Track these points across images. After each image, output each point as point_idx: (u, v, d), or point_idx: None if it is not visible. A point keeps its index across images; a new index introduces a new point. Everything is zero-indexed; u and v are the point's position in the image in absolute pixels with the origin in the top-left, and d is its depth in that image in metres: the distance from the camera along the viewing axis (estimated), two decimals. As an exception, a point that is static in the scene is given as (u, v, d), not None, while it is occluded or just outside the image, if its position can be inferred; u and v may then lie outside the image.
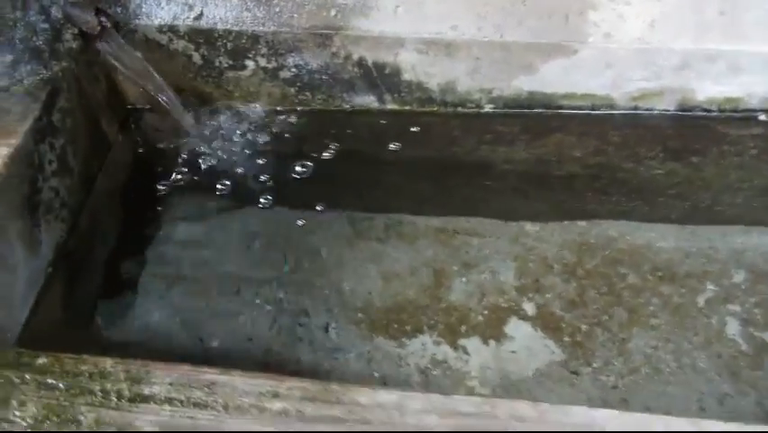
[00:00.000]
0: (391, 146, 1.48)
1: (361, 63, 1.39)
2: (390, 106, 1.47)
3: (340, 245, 1.32)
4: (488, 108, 1.47)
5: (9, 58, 1.23)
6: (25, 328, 1.18)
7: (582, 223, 1.36)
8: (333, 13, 1.33)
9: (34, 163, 1.21)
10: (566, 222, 1.37)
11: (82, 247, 1.36)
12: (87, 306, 1.30)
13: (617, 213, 1.37)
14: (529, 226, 1.36)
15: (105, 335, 1.24)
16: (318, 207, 1.39)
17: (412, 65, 1.39)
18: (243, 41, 1.38)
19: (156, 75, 1.38)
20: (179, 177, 1.47)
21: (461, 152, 1.48)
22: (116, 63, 1.37)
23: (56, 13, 1.28)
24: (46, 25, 1.27)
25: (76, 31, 1.31)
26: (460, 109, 1.47)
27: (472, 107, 1.47)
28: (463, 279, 1.27)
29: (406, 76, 1.41)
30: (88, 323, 1.27)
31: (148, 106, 1.51)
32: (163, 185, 1.46)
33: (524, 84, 1.41)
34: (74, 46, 1.32)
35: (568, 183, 1.43)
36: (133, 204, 1.47)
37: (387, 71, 1.40)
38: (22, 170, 1.18)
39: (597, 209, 1.38)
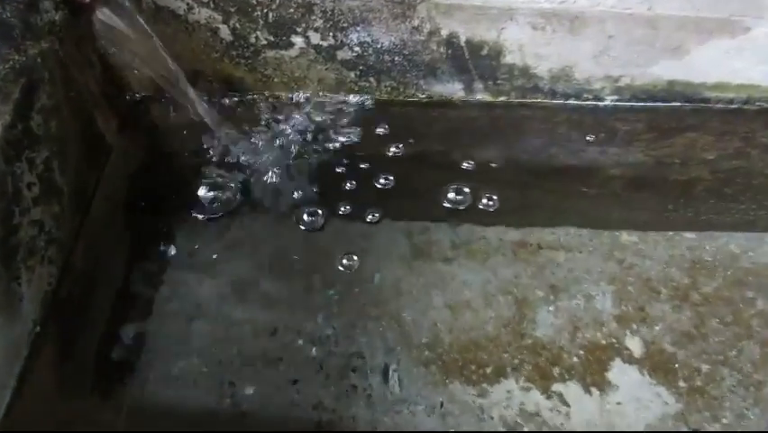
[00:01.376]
0: (472, 145, 1.17)
1: (450, 41, 1.03)
2: (480, 97, 1.12)
3: (397, 266, 1.06)
4: (609, 101, 1.13)
5: (-36, 37, 0.85)
6: (7, 418, 0.86)
7: (691, 235, 1.11)
8: (419, -28, 0.97)
9: (6, 192, 0.85)
10: (670, 233, 1.12)
11: (78, 291, 1.01)
12: (88, 368, 0.97)
13: (738, 224, 1.11)
14: (625, 237, 1.11)
15: (114, 401, 0.93)
16: (371, 220, 1.10)
17: (519, 45, 1.03)
18: (291, 10, 1.00)
19: (167, 56, 1.01)
20: (198, 190, 1.13)
21: (562, 154, 1.17)
22: (116, 41, 1.00)
23: (29, -30, 0.89)
24: (16, -11, 0.89)
25: (58, -4, 0.93)
26: (572, 101, 1.13)
27: (589, 99, 1.13)
28: (551, 307, 1.05)
29: (509, 58, 1.05)
30: (91, 391, 0.94)
31: (156, 96, 1.14)
32: (178, 200, 1.11)
33: (665, 71, 1.06)
34: (56, 19, 0.93)
35: (686, 189, 1.17)
36: (141, 226, 1.12)
37: (484, 52, 1.05)
38: (-11, 205, 0.82)
39: (712, 219, 1.12)
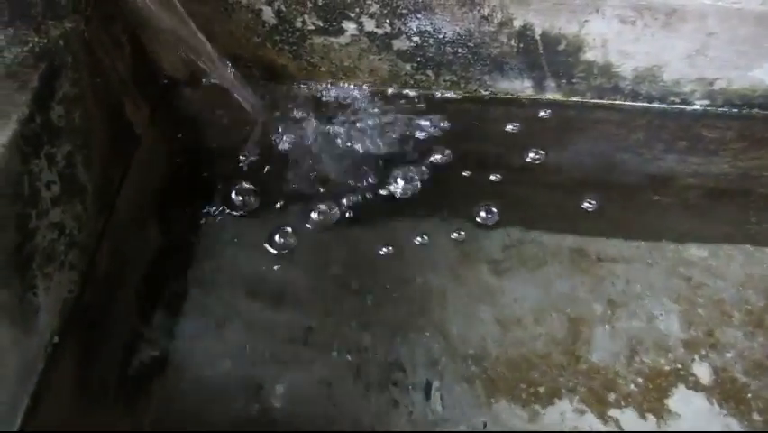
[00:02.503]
0: (536, 146, 1.05)
1: (522, 34, 0.91)
2: (551, 96, 1.00)
3: (442, 273, 0.97)
4: (698, 105, 1.00)
5: (-23, 16, 0.75)
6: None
7: (772, 251, 0.99)
8: (494, -48, 0.84)
9: (22, 194, 0.76)
10: (749, 247, 1.00)
11: (101, 296, 0.92)
12: (111, 379, 0.89)
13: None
14: (694, 251, 1.00)
15: (137, 413, 0.85)
16: (417, 220, 1.01)
17: (603, 40, 0.90)
18: (345, -8, 0.89)
19: (204, 39, 0.90)
20: (233, 184, 1.03)
21: (636, 160, 1.05)
22: (148, 20, 0.89)
23: (53, -61, 0.79)
24: (37, -39, 0.78)
25: (85, -30, 0.82)
26: (656, 104, 1.00)
27: (675, 103, 1.00)
28: (608, 326, 0.96)
29: (589, 55, 0.93)
30: (113, 404, 0.87)
31: (190, 81, 1.03)
32: (212, 196, 1.02)
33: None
34: (83, -6, 0.83)
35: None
36: (170, 225, 1.02)
37: (560, 47, 0.92)
38: (1, 209, 0.73)
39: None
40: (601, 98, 0.99)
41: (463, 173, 1.04)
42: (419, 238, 0.99)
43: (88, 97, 0.87)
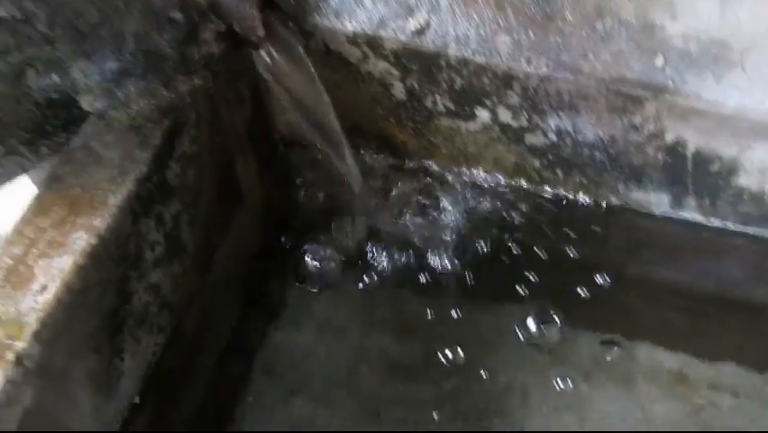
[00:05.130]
0: (656, 260, 0.97)
1: (673, 149, 0.83)
2: (688, 215, 0.91)
3: (528, 373, 0.92)
4: None
5: (113, 65, 0.71)
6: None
7: None
8: (659, 62, 0.76)
9: (129, 256, 0.72)
10: None
11: (182, 360, 0.88)
12: None
13: None
14: None
15: None
16: (509, 317, 0.94)
17: (763, 168, 0.81)
18: (486, 79, 0.82)
19: (330, 104, 0.86)
20: (327, 252, 0.99)
21: (763, 294, 0.94)
22: (276, 79, 0.85)
23: (197, -4, 0.76)
24: (178, 16, 0.74)
25: (222, 28, 0.79)
26: (809, 241, 0.90)
27: (830, 243, 0.89)
28: None
29: (743, 180, 0.84)
30: None
31: (302, 142, 0.99)
32: (305, 262, 0.98)
33: None
34: (215, 51, 0.79)
35: None
36: (259, 289, 0.98)
37: (712, 168, 0.83)
38: (106, 272, 0.68)
39: None
40: (746, 225, 0.90)
41: (570, 274, 0.96)
42: (516, 333, 0.93)
43: (204, 155, 0.83)
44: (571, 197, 0.94)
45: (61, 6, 0.68)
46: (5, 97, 0.69)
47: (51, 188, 0.70)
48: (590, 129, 0.84)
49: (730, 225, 0.90)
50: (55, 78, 0.71)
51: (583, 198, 0.94)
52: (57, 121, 0.75)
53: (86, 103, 0.73)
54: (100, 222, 0.67)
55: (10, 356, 0.60)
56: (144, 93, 0.76)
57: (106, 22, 0.70)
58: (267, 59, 0.83)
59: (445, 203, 0.96)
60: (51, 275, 0.64)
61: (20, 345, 0.60)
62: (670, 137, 0.82)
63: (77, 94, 0.72)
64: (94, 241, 0.66)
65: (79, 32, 0.70)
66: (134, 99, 0.76)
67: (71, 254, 0.65)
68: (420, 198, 0.97)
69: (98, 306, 0.68)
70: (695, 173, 0.85)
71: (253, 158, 0.95)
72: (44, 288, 0.63)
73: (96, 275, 0.67)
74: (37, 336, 0.61)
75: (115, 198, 0.69)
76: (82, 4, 0.69)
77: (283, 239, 1.00)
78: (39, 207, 0.68)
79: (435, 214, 0.96)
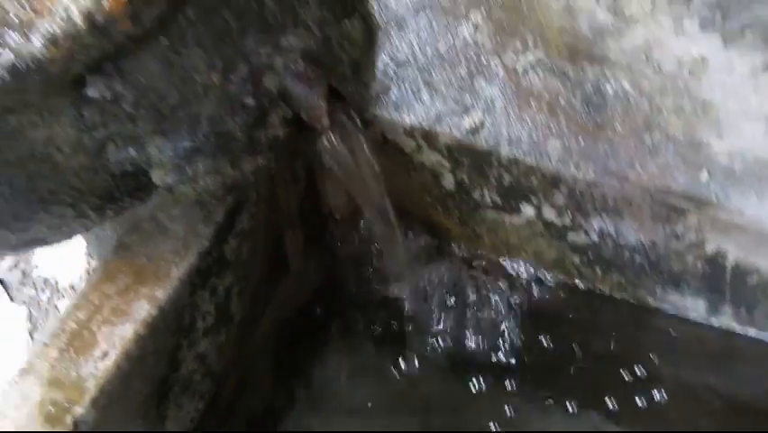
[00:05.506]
0: (686, 365, 0.96)
1: (713, 259, 0.85)
2: (721, 323, 0.92)
3: None
4: None
5: (186, 144, 0.76)
6: None
7: None
8: (704, 177, 0.79)
9: (183, 326, 0.75)
10: None
11: (219, 424, 0.89)
12: None
13: None
14: None
15: None
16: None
17: (802, 285, 0.83)
18: (534, 179, 0.86)
19: (383, 189, 0.89)
20: (365, 329, 1.01)
21: None
22: (336, 164, 0.90)
23: (270, 84, 0.80)
24: (251, 102, 0.80)
25: (289, 114, 0.84)
26: (843, 359, 0.90)
27: None
28: None
29: (781, 294, 0.85)
30: None
31: (348, 222, 1.03)
32: (344, 338, 1.00)
33: None
34: (280, 135, 0.84)
35: None
36: (297, 360, 1.00)
37: (751, 280, 0.85)
38: (162, 342, 0.71)
39: None
40: (781, 338, 0.91)
41: (598, 373, 0.97)
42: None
43: (259, 231, 0.87)
44: (607, 293, 0.96)
45: (147, 90, 0.73)
46: (86, 169, 0.74)
47: (118, 255, 0.74)
48: (633, 233, 0.87)
49: (766, 337, 0.91)
50: (132, 152, 0.76)
51: (620, 295, 0.96)
52: (126, 189, 0.79)
53: (157, 177, 0.77)
54: (162, 293, 0.70)
55: (69, 420, 0.62)
56: (212, 171, 0.81)
57: (185, 105, 0.75)
58: (328, 144, 0.88)
59: (485, 292, 0.98)
60: (113, 342, 0.67)
61: (78, 409, 0.63)
62: (710, 248, 0.85)
63: (150, 168, 0.77)
64: (155, 312, 0.69)
65: (160, 113, 0.75)
66: (202, 176, 0.80)
67: (133, 323, 0.68)
68: (460, 284, 0.99)
69: (152, 374, 0.71)
70: (733, 283, 0.87)
71: (301, 233, 0.99)
72: (105, 354, 0.66)
73: (153, 344, 0.70)
74: (95, 402, 0.64)
75: (178, 271, 0.72)
76: (166, 88, 0.74)
77: (320, 311, 1.04)
78: (105, 274, 0.72)
79: (475, 301, 0.98)
